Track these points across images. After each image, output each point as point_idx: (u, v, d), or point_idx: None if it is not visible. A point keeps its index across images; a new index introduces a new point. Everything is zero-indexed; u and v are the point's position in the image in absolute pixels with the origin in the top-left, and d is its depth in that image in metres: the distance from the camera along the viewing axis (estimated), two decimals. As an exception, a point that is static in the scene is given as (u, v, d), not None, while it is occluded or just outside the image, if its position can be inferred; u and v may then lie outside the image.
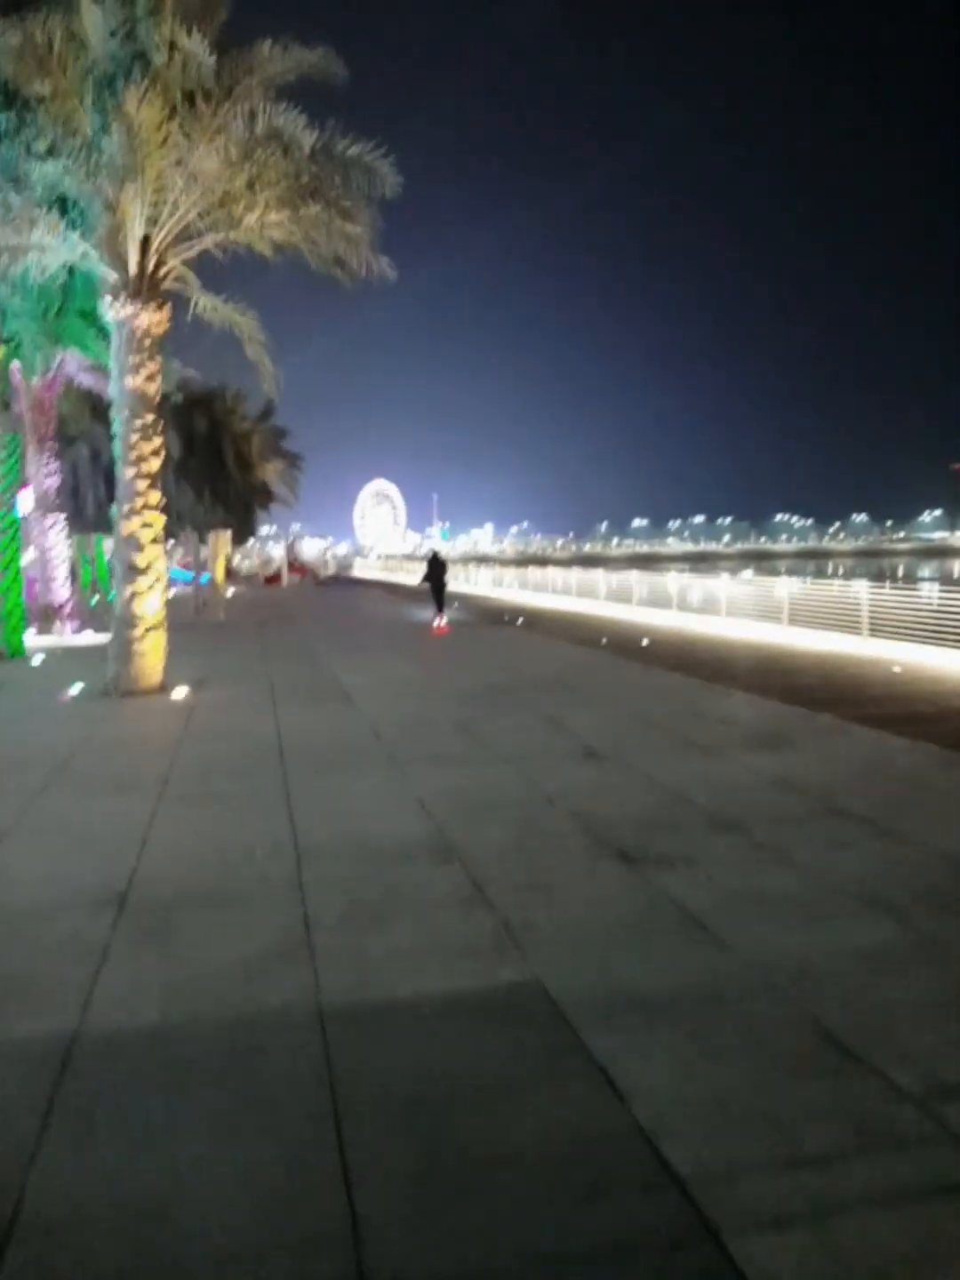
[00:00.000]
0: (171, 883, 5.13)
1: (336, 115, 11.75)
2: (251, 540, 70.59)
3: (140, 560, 12.48)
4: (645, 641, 18.92)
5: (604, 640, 19.11)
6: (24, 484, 20.98)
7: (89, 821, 6.44)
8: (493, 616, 28.05)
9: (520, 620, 25.54)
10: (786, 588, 19.90)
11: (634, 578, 28.08)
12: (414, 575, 34.28)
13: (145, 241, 11.61)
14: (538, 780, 7.13)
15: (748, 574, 26.55)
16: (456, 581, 52.08)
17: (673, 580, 25.33)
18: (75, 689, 12.92)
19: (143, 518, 12.32)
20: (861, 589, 17.03)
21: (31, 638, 19.46)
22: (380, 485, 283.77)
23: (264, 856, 5.48)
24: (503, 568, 56.29)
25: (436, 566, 24.54)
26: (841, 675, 13.85)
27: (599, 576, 31.75)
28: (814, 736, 8.86)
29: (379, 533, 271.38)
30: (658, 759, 7.83)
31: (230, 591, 45.91)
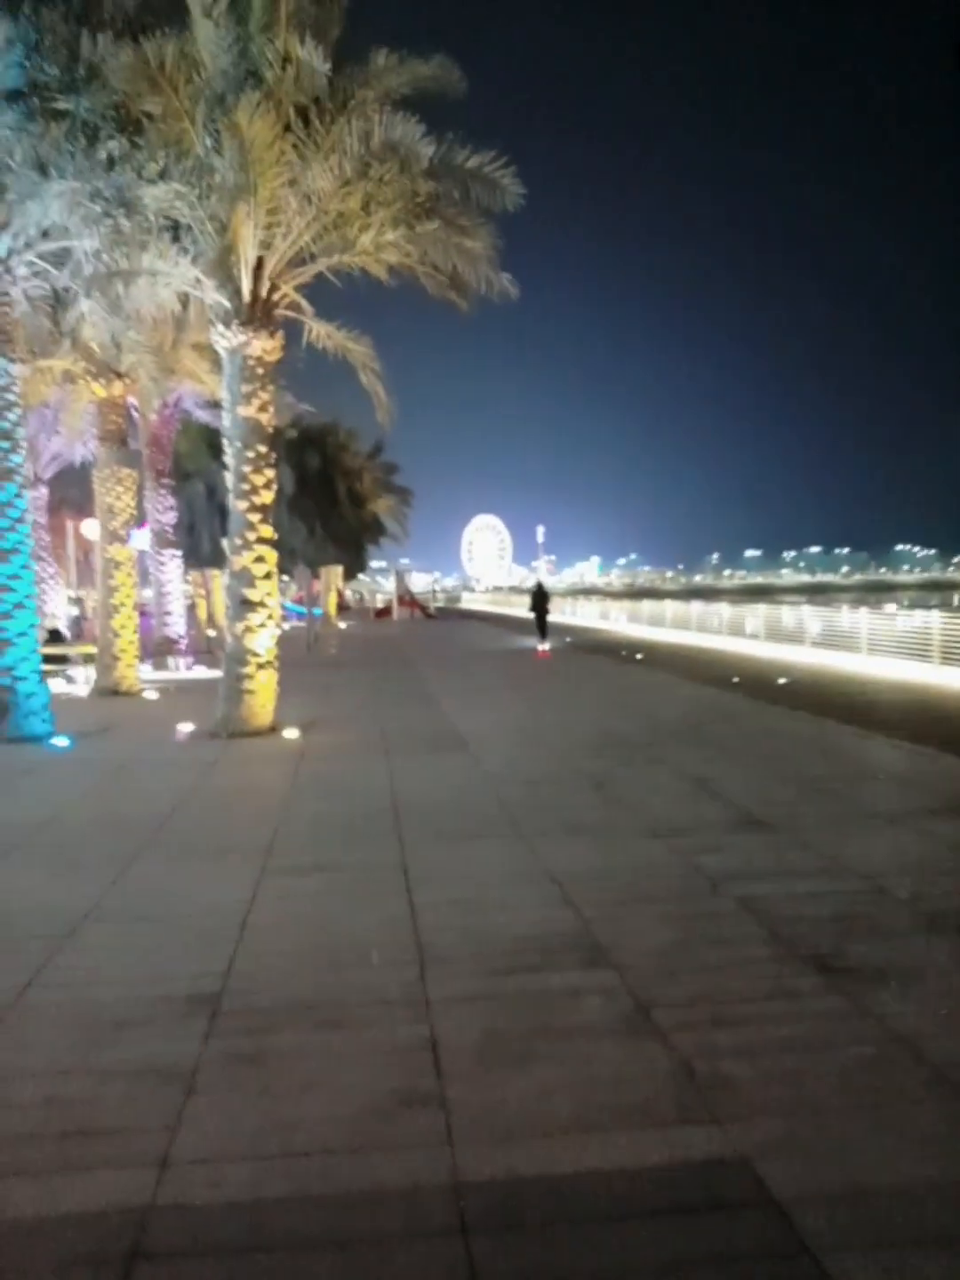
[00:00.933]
0: (272, 986, 4.29)
1: (454, 128, 11.15)
2: (361, 575, 71.26)
3: (252, 595, 11.97)
4: (782, 681, 17.59)
5: (735, 679, 17.85)
6: (142, 521, 21.06)
7: (183, 897, 5.69)
8: (606, 650, 26.96)
9: (639, 656, 24.36)
10: (938, 621, 18.25)
11: (762, 611, 26.58)
12: (520, 607, 34.65)
13: (258, 266, 11.16)
14: (695, 858, 6.08)
15: (891, 607, 24.77)
16: (564, 614, 51.20)
17: (806, 613, 23.76)
18: (185, 729, 12.46)
19: (255, 551, 11.82)
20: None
21: (146, 673, 19.36)
22: (487, 519, 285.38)
23: (381, 956, 4.60)
24: (608, 600, 55.17)
25: (541, 597, 27.90)
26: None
27: (721, 609, 30.29)
28: (1011, 801, 7.57)
29: (486, 565, 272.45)
30: (834, 831, 6.68)
31: (342, 625, 45.99)
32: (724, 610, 30.16)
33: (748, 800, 7.66)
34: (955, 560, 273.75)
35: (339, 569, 50.21)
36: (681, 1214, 2.70)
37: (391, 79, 10.51)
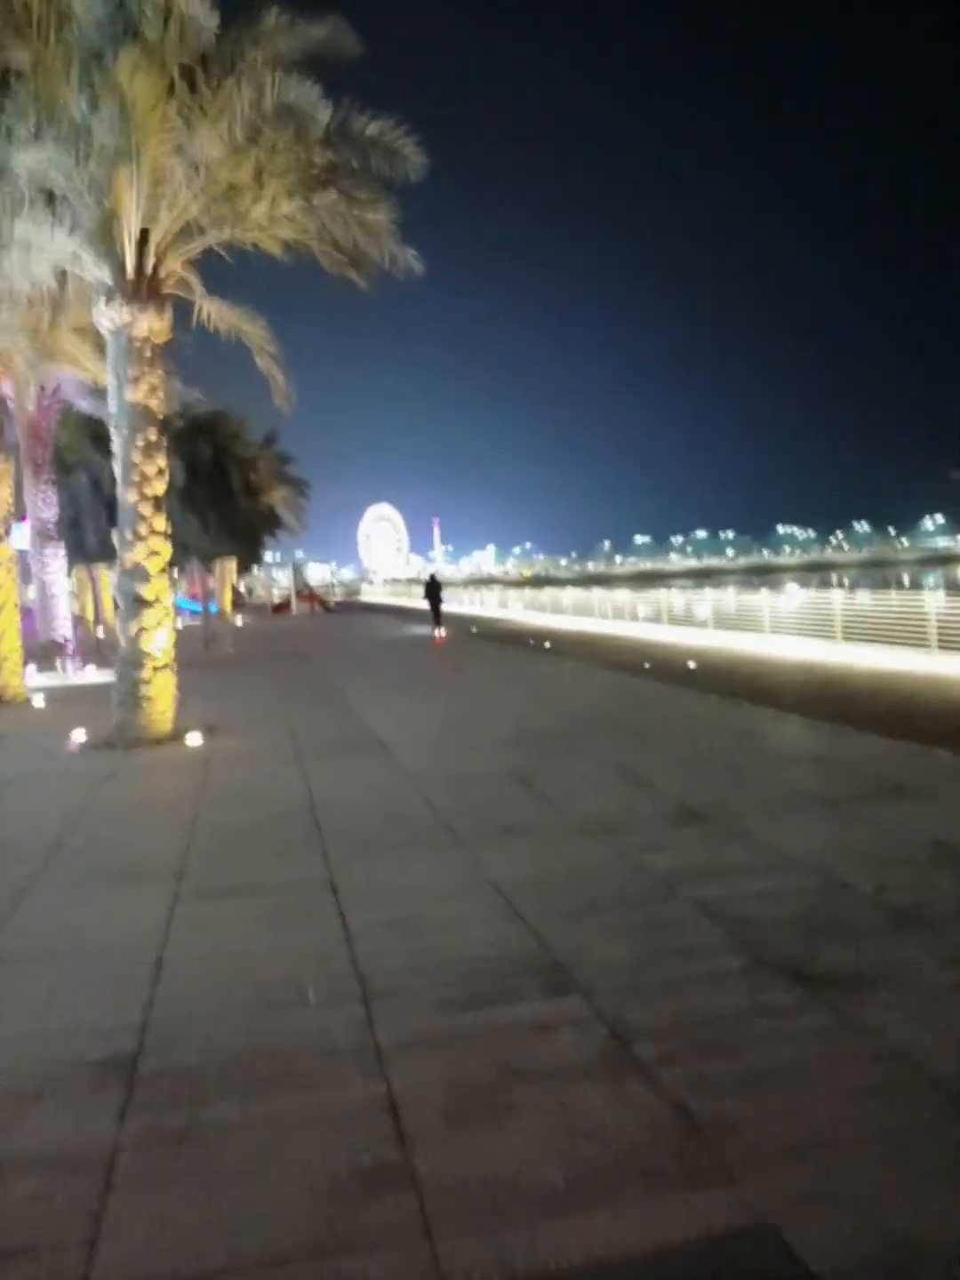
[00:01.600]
0: (198, 1039, 3.77)
1: (351, 96, 10.56)
2: (256, 568, 69.63)
3: (146, 592, 11.19)
4: (691, 665, 17.58)
5: (645, 664, 17.77)
6: (21, 516, 19.80)
7: (87, 933, 5.09)
8: (512, 640, 26.74)
9: (547, 644, 24.19)
10: (839, 600, 18.53)
11: (666, 596, 26.74)
12: (419, 598, 34.55)
13: (143, 239, 10.36)
14: (639, 858, 5.75)
15: (792, 588, 25.20)
16: (465, 604, 50.90)
17: (709, 596, 23.93)
18: (77, 738, 11.62)
19: (148, 544, 11.04)
20: (931, 600, 15.68)
21: (32, 676, 18.24)
22: (383, 509, 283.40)
23: (318, 994, 4.11)
24: (507, 589, 55.17)
25: (434, 588, 29.22)
26: (929, 698, 12.51)
27: (623, 594, 30.41)
28: (943, 779, 7.51)
29: (382, 557, 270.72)
30: (773, 821, 6.46)
31: (239, 622, 44.70)
32: (626, 596, 30.28)
33: (678, 791, 7.39)
34: (832, 541, 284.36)
35: (233, 562, 48.83)
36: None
37: (283, 40, 9.84)
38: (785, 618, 20.36)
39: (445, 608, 30.02)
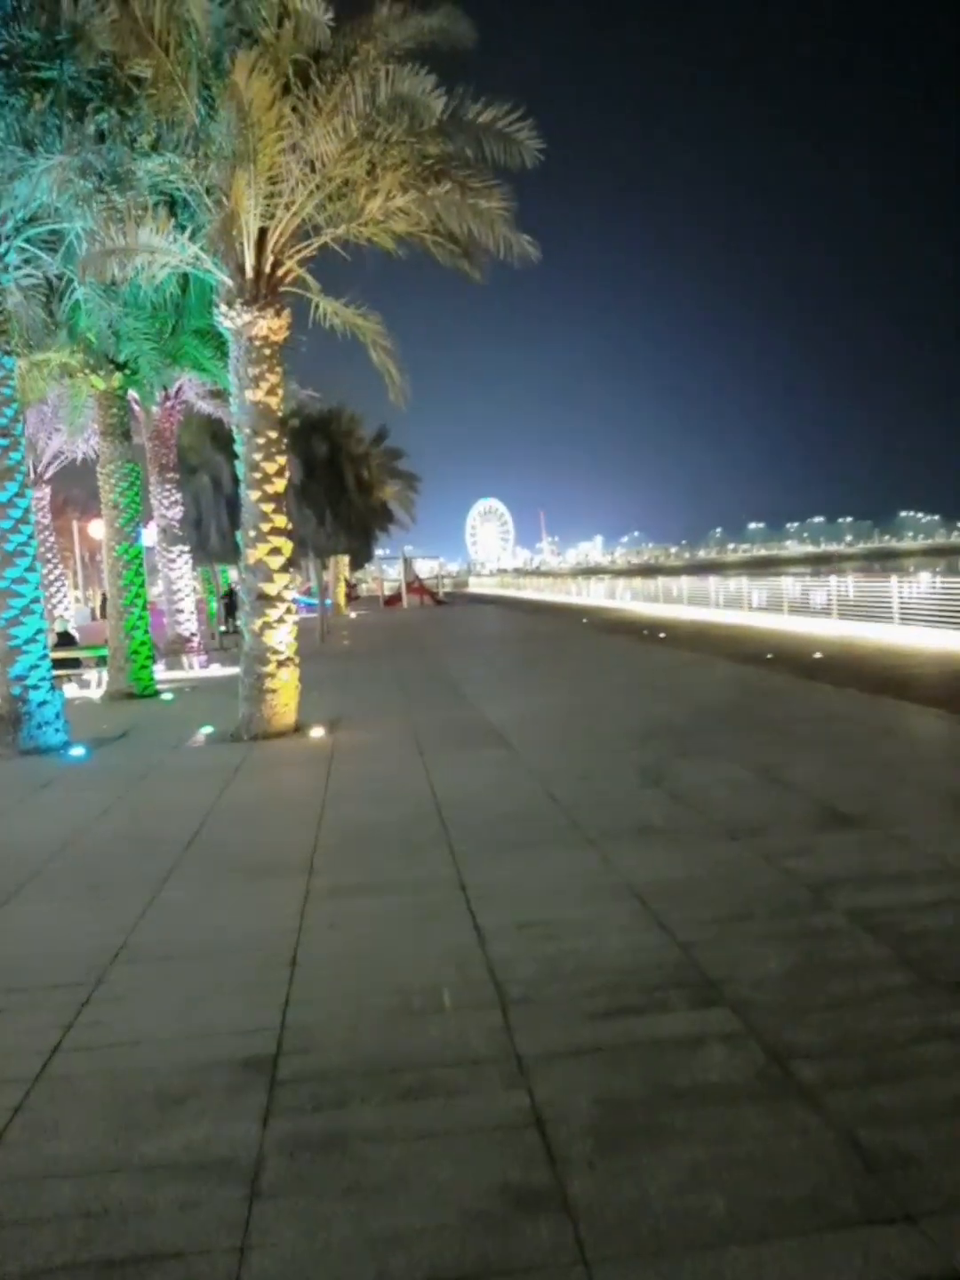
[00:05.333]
0: (336, 1043, 3.71)
1: (463, 83, 10.43)
2: (368, 563, 70.63)
3: (269, 589, 11.37)
4: (818, 655, 16.95)
5: (768, 656, 17.22)
6: (147, 517, 20.47)
7: (223, 929, 5.12)
8: (624, 629, 26.34)
9: (662, 634, 23.73)
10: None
11: (786, 584, 25.89)
12: (530, 590, 34.23)
13: (260, 240, 10.49)
14: (786, 863, 5.48)
15: (926, 576, 24.09)
16: (571, 595, 50.51)
17: (833, 583, 23.05)
18: (205, 732, 11.91)
19: (270, 543, 11.21)
20: None
21: (160, 672, 18.82)
22: (489, 502, 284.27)
23: (455, 1000, 4.02)
24: (615, 578, 54.48)
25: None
26: None
27: (740, 583, 29.60)
28: None
29: (489, 549, 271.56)
30: (931, 825, 6.07)
31: (353, 615, 45.45)
32: (743, 583, 29.48)
33: (823, 791, 7.05)
34: (959, 525, 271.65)
35: (346, 558, 49.66)
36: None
37: (396, 31, 9.78)
38: (916, 605, 19.45)
39: (549, 598, 29.59)
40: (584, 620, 32.05)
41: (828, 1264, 2.39)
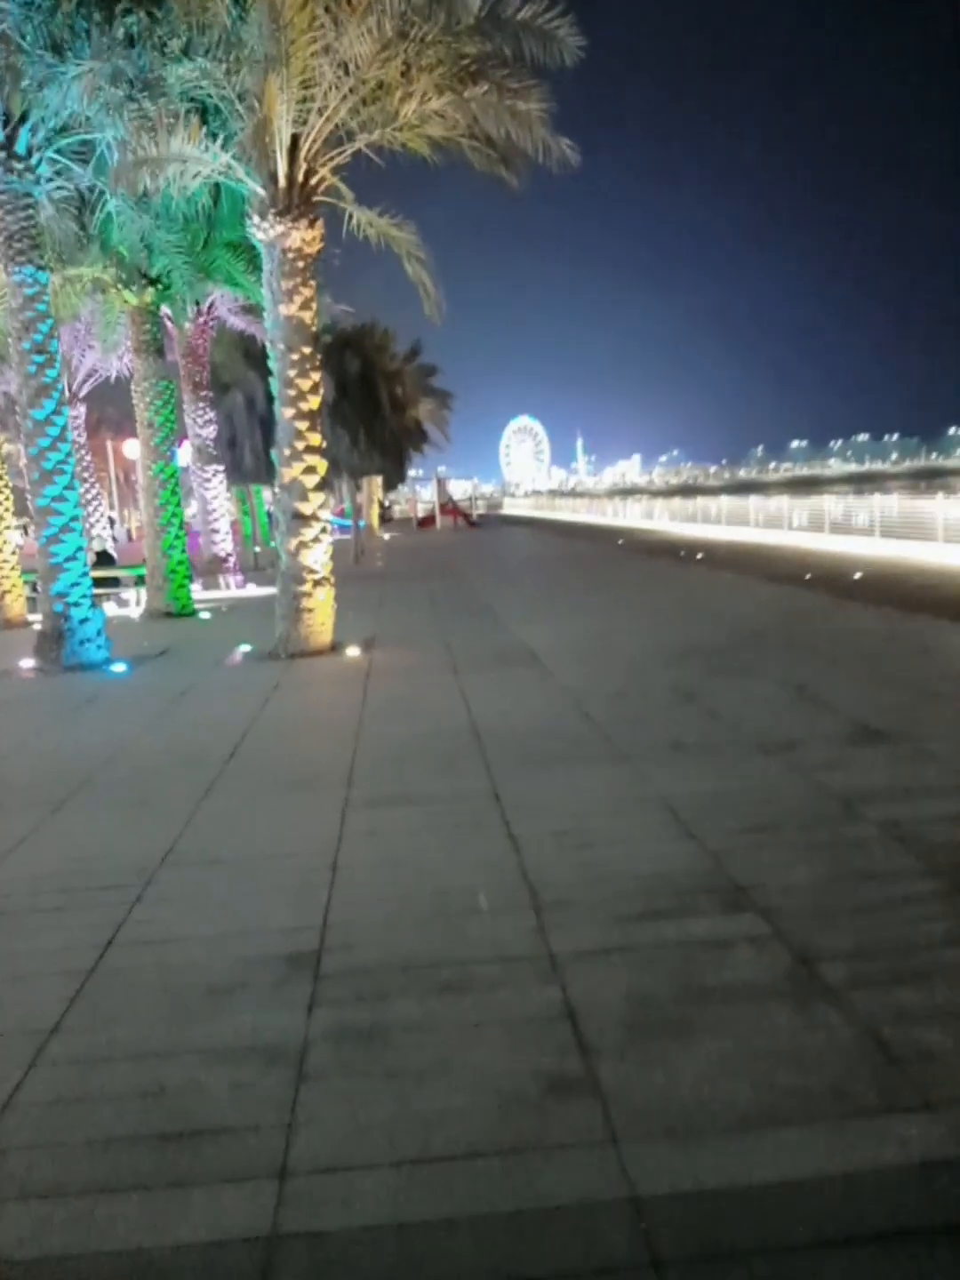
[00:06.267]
0: (376, 941, 3.87)
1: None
2: (400, 484, 70.21)
3: (304, 508, 11.41)
4: (857, 576, 16.76)
5: (807, 576, 17.05)
6: (182, 436, 20.47)
7: (265, 837, 5.29)
8: (662, 551, 26.13)
9: (699, 556, 23.54)
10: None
11: (827, 503, 25.49)
12: (565, 512, 33.74)
13: (293, 147, 10.25)
14: (817, 776, 5.53)
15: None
16: (608, 516, 49.96)
17: (876, 503, 22.66)
18: (243, 650, 12.10)
19: (305, 462, 11.20)
20: None
21: (196, 592, 19.02)
22: (524, 421, 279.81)
23: (491, 902, 4.15)
24: (653, 500, 53.73)
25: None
26: None
27: (780, 503, 29.17)
28: None
29: (524, 469, 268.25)
30: (962, 740, 6.09)
31: (386, 536, 45.43)
32: (783, 503, 29.03)
33: (856, 708, 7.06)
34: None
35: (379, 479, 49.39)
36: (912, 1238, 2.22)
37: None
38: (960, 525, 19.07)
39: (585, 520, 29.27)
40: (620, 542, 31.79)
41: (849, 1146, 2.50)
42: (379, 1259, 2.25)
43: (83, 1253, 2.32)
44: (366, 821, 5.38)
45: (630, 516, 48.10)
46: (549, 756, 6.47)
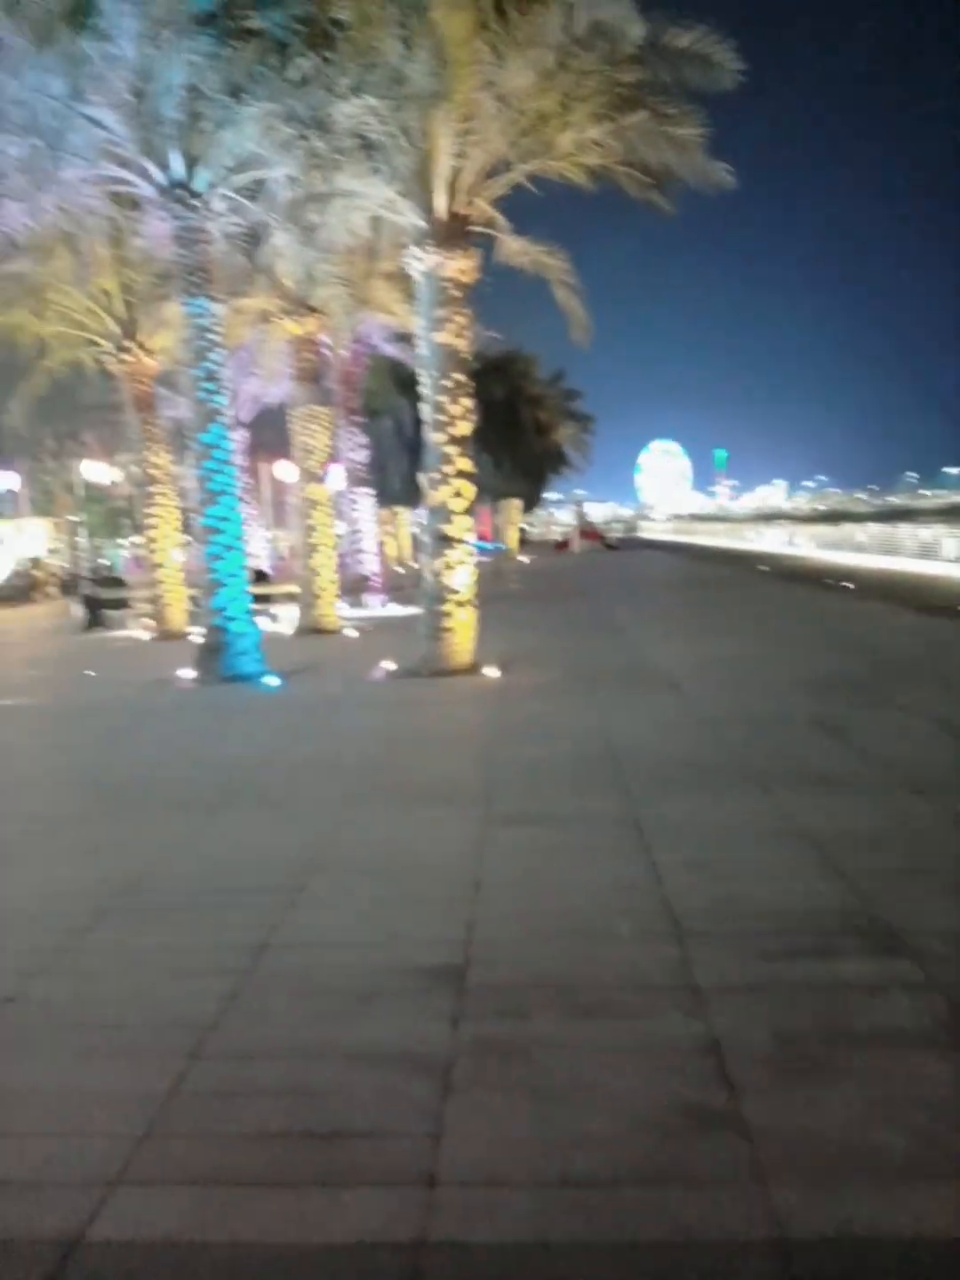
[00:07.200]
0: (517, 959, 3.92)
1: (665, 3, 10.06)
2: (537, 507, 70.49)
3: (451, 531, 11.65)
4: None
5: (963, 609, 16.27)
6: (334, 459, 21.20)
7: (408, 848, 5.42)
8: (806, 578, 25.39)
9: (845, 584, 22.76)
10: None
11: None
12: (704, 536, 33.31)
13: (452, 180, 10.56)
14: (976, 820, 5.29)
15: None
16: (749, 542, 48.88)
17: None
18: (386, 667, 12.40)
19: (453, 486, 11.46)
20: None
21: (343, 610, 19.60)
22: (664, 444, 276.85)
23: (632, 929, 4.14)
24: (797, 525, 52.25)
25: None
26: None
27: (935, 531, 27.95)
28: None
29: (663, 493, 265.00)
30: None
31: (523, 559, 45.72)
32: (938, 532, 27.79)
33: (1021, 753, 6.71)
34: None
35: (518, 502, 49.80)
36: None
37: (593, -42, 9.52)
38: None
39: (725, 545, 28.80)
40: (762, 568, 31.10)
41: (1010, 1209, 2.39)
42: (524, 1277, 2.29)
43: (235, 1241, 2.42)
44: (506, 839, 5.45)
45: (773, 542, 46.96)
46: (688, 783, 6.39)
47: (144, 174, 11.23)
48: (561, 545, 62.78)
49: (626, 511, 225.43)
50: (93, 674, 13.83)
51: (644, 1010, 3.46)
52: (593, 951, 3.95)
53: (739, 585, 26.06)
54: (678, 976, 3.68)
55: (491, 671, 11.58)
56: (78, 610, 22.40)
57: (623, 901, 4.43)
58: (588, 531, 63.60)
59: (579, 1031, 3.34)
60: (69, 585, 30.30)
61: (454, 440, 11.39)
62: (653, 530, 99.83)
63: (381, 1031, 3.40)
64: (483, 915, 4.38)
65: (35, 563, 38.19)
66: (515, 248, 11.90)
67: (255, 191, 12.07)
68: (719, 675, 10.79)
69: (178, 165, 11.11)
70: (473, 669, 11.81)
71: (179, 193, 11.23)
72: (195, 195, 11.31)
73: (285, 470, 31.50)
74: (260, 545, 29.28)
